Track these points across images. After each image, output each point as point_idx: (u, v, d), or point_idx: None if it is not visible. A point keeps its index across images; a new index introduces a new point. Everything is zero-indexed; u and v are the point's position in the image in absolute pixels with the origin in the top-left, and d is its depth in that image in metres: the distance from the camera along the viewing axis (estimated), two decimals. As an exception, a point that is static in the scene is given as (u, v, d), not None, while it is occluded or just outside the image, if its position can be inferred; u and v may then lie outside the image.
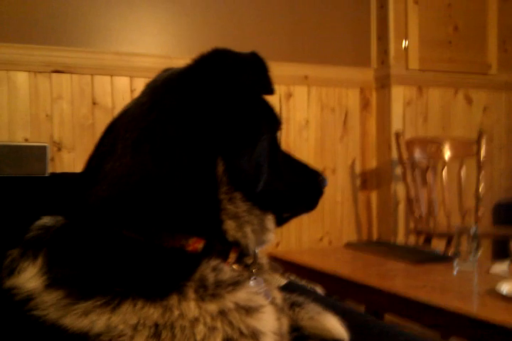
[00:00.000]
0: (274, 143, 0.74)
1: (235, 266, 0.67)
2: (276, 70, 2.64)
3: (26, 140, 2.29)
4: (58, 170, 2.27)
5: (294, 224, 2.82)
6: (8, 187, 1.67)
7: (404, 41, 2.98)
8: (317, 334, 0.83)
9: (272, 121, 0.73)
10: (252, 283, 0.67)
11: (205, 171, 0.63)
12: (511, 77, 3.28)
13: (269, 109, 0.73)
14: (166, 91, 0.67)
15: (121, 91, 2.39)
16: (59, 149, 2.36)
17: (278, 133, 0.75)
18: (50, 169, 2.19)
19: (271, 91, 0.70)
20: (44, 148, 2.16)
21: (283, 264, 1.84)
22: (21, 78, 2.30)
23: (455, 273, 1.69)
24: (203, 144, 0.63)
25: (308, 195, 0.77)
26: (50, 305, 0.55)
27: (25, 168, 2.09)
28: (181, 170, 0.61)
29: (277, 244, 2.78)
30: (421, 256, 1.86)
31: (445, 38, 3.09)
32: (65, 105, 2.37)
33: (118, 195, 0.61)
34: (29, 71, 2.30)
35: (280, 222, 0.75)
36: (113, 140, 0.66)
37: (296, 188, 0.75)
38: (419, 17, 3.00)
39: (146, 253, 0.60)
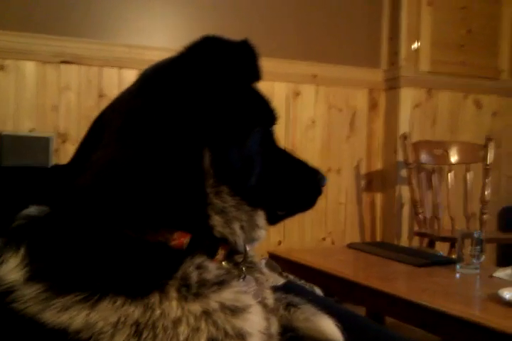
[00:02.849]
0: (269, 137, 0.71)
1: (224, 264, 0.65)
2: (285, 68, 2.63)
3: (32, 130, 2.29)
4: (62, 162, 2.27)
5: (296, 223, 2.81)
6: (12, 176, 1.67)
7: (415, 43, 2.95)
8: (312, 336, 0.81)
9: (266, 114, 0.70)
10: (240, 281, 0.65)
11: (190, 162, 0.61)
12: (522, 83, 3.25)
13: (263, 101, 0.70)
14: (154, 78, 0.66)
15: (129, 83, 2.37)
16: (64, 141, 2.35)
17: (273, 127, 0.72)
18: (55, 160, 2.19)
19: (259, 78, 0.69)
20: (48, 139, 2.16)
21: (284, 263, 1.83)
22: (29, 67, 2.29)
23: (458, 276, 1.67)
24: (188, 134, 0.61)
25: (305, 193, 0.74)
26: (30, 298, 0.54)
27: (29, 158, 2.09)
28: (164, 160, 0.60)
29: (279, 243, 2.77)
30: (424, 258, 1.84)
31: (457, 40, 3.07)
32: (72, 96, 2.37)
33: (100, 186, 0.60)
34: (37, 60, 2.30)
35: (275, 219, 0.73)
36: (100, 128, 0.65)
37: (292, 185, 0.72)
38: (432, 19, 2.98)
39: (128, 247, 0.58)
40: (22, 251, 0.59)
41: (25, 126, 2.29)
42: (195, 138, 0.61)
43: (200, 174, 0.61)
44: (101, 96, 2.40)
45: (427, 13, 2.96)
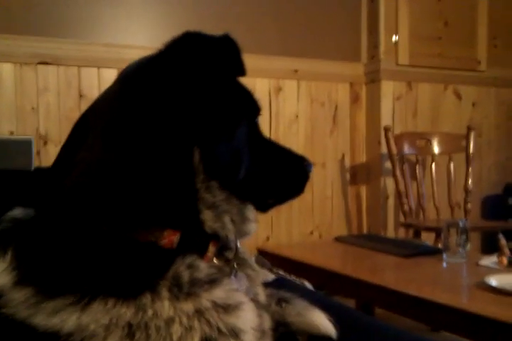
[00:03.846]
0: (254, 129, 0.72)
1: (215, 260, 0.65)
2: (266, 64, 2.62)
3: (12, 133, 2.25)
4: (44, 164, 2.24)
5: (284, 218, 2.81)
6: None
7: (394, 36, 2.97)
8: (305, 330, 0.81)
9: (250, 106, 0.71)
10: (232, 279, 0.65)
11: (180, 159, 0.60)
12: (500, 73, 3.28)
13: (246, 93, 0.70)
14: (136, 77, 0.64)
15: (109, 83, 2.34)
16: (45, 142, 2.32)
17: (258, 119, 0.73)
18: (36, 162, 2.16)
19: (243, 73, 0.68)
20: (29, 142, 2.13)
21: (273, 258, 1.83)
22: (6, 70, 2.25)
23: (444, 265, 1.69)
24: (176, 132, 0.61)
25: (294, 180, 0.75)
26: (19, 302, 0.54)
27: (10, 161, 2.06)
28: (153, 159, 0.59)
29: (267, 238, 2.77)
30: (410, 249, 1.86)
31: (435, 33, 3.09)
32: (51, 97, 2.33)
33: (87, 186, 0.59)
34: (14, 62, 2.26)
35: (265, 207, 0.73)
36: (83, 130, 0.64)
37: (281, 173, 0.73)
38: (409, 12, 2.99)
39: (117, 247, 0.58)
40: (9, 254, 0.58)
41: (4, 128, 2.25)
42: (183, 136, 0.61)
43: (190, 171, 0.61)
44: (81, 96, 2.36)
45: (404, 7, 2.98)
